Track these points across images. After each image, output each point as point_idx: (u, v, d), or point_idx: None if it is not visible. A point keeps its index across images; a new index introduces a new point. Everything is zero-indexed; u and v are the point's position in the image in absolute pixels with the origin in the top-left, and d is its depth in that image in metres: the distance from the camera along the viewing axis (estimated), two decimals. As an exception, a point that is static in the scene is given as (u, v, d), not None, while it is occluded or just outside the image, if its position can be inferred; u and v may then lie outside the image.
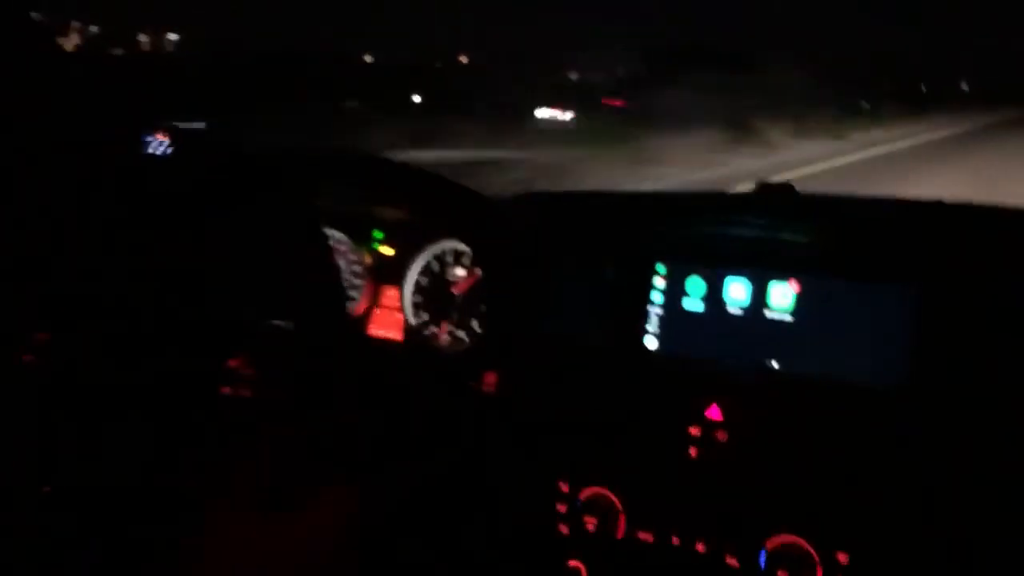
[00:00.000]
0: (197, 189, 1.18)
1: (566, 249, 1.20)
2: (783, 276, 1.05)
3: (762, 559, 1.00)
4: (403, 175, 1.39)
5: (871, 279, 1.00)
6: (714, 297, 1.09)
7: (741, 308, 1.07)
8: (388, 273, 1.39)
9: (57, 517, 1.05)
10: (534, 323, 1.20)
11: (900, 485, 0.96)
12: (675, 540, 1.05)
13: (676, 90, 16.42)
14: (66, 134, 1.02)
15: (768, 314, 1.05)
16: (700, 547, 1.04)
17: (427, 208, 1.36)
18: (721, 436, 1.04)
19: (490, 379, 1.20)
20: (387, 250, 1.40)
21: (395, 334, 1.38)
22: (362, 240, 1.41)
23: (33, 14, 0.93)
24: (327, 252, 1.29)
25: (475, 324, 1.32)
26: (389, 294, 1.39)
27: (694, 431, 1.06)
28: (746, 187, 1.15)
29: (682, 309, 1.10)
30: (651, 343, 1.12)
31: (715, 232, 1.13)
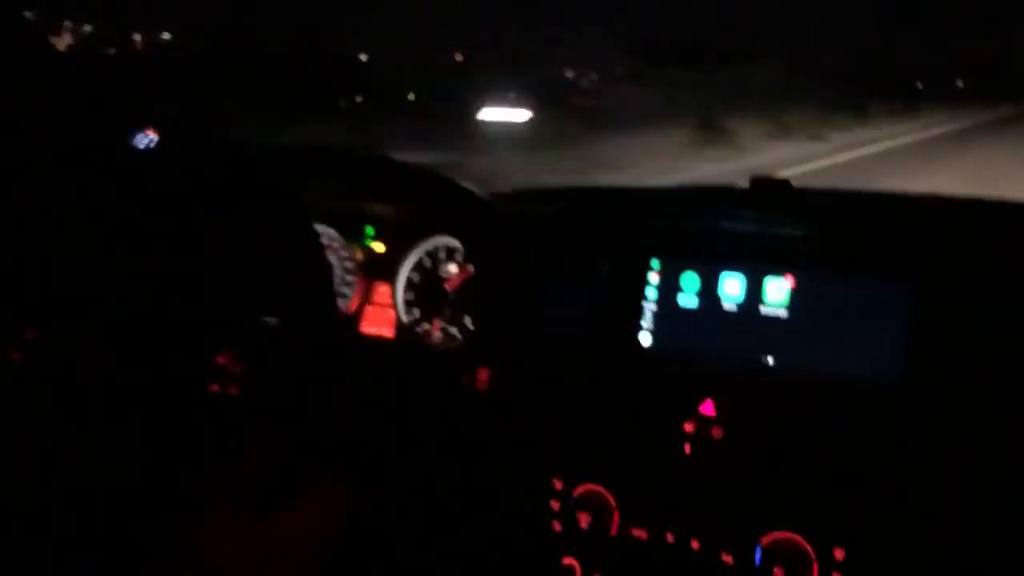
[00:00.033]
0: (185, 184, 1.17)
1: (560, 245, 1.19)
2: (778, 272, 1.04)
3: (757, 556, 0.99)
4: (395, 171, 1.38)
5: (867, 274, 0.99)
6: (709, 293, 1.08)
7: (736, 304, 1.06)
8: (380, 270, 1.38)
9: (48, 517, 1.04)
10: (527, 320, 1.19)
11: (896, 481, 0.96)
12: (670, 537, 1.05)
13: (648, 87, 15.44)
14: (57, 133, 1.01)
15: (763, 310, 1.05)
16: (695, 544, 1.03)
17: (419, 204, 1.35)
18: (716, 432, 1.04)
19: (483, 376, 1.20)
20: (379, 247, 1.39)
21: (387, 331, 1.37)
22: (354, 237, 1.40)
23: (26, 14, 0.92)
24: (318, 249, 1.28)
25: (468, 321, 1.31)
26: (381, 291, 1.38)
27: (689, 427, 1.05)
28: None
29: (677, 305, 1.10)
30: (645, 339, 1.11)
31: (710, 227, 1.12)
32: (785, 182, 1.12)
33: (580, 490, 1.10)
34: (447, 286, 1.34)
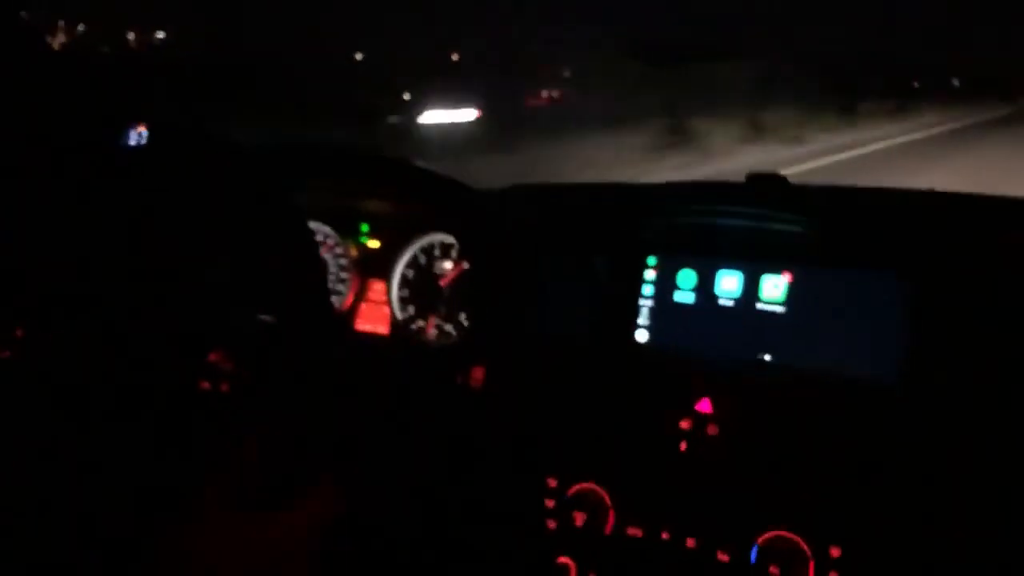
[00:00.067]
0: (177, 181, 1.17)
1: (555, 242, 1.18)
2: (775, 268, 1.04)
3: (753, 554, 0.99)
4: (390, 168, 1.37)
5: (864, 271, 0.99)
6: (706, 289, 1.07)
7: (733, 300, 1.06)
8: (375, 267, 1.37)
9: (42, 517, 1.03)
10: (522, 317, 1.19)
11: (893, 479, 0.95)
12: (665, 535, 1.04)
13: (611, 86, 13.83)
14: (49, 130, 1.01)
15: (760, 307, 1.04)
16: (690, 542, 1.03)
17: (414, 201, 1.35)
18: (712, 430, 1.03)
19: (478, 373, 1.19)
20: (374, 244, 1.38)
21: (382, 328, 1.36)
22: (348, 234, 1.39)
23: (22, 13, 0.91)
24: (313, 246, 1.28)
25: (463, 318, 1.31)
26: (376, 288, 1.37)
27: (685, 425, 1.04)
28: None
29: (673, 302, 1.09)
30: (642, 336, 1.11)
31: (707, 224, 1.11)
32: (782, 178, 1.12)
33: (575, 488, 1.09)
34: (442, 283, 1.33)
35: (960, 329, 0.94)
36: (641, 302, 1.11)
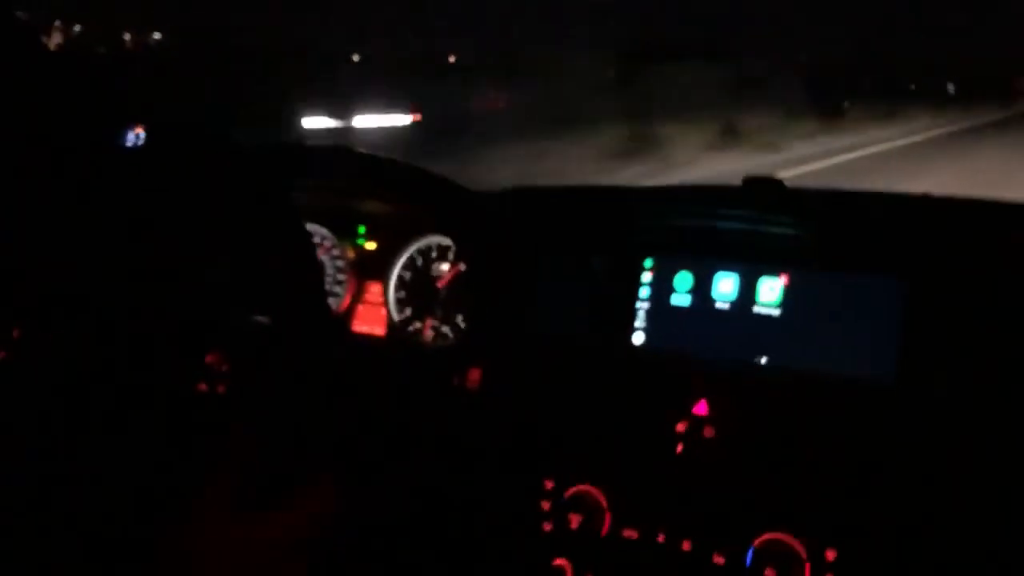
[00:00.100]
0: (174, 182, 1.17)
1: (553, 244, 1.18)
2: (772, 270, 1.04)
3: (749, 557, 0.99)
4: (387, 169, 1.37)
5: (860, 273, 0.99)
6: (703, 292, 1.08)
7: (730, 303, 1.06)
8: (372, 268, 1.37)
9: (39, 518, 1.03)
10: (519, 319, 1.19)
11: (889, 481, 0.95)
12: (661, 538, 1.04)
13: (577, 87, 12.46)
14: (46, 130, 1.01)
15: (757, 309, 1.05)
16: (686, 545, 1.03)
17: (411, 203, 1.35)
18: (708, 432, 1.03)
19: (474, 375, 1.19)
20: (371, 245, 1.38)
21: (378, 330, 1.36)
22: (345, 235, 1.40)
23: (18, 13, 0.91)
24: (309, 247, 1.27)
25: (459, 320, 1.31)
26: (373, 290, 1.37)
27: (681, 427, 1.04)
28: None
29: (670, 304, 1.09)
30: (638, 338, 1.11)
31: (703, 226, 1.12)
32: (778, 182, 1.12)
33: (571, 490, 1.09)
34: (439, 285, 1.33)
35: (956, 331, 0.95)
36: (638, 304, 1.11)
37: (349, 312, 1.38)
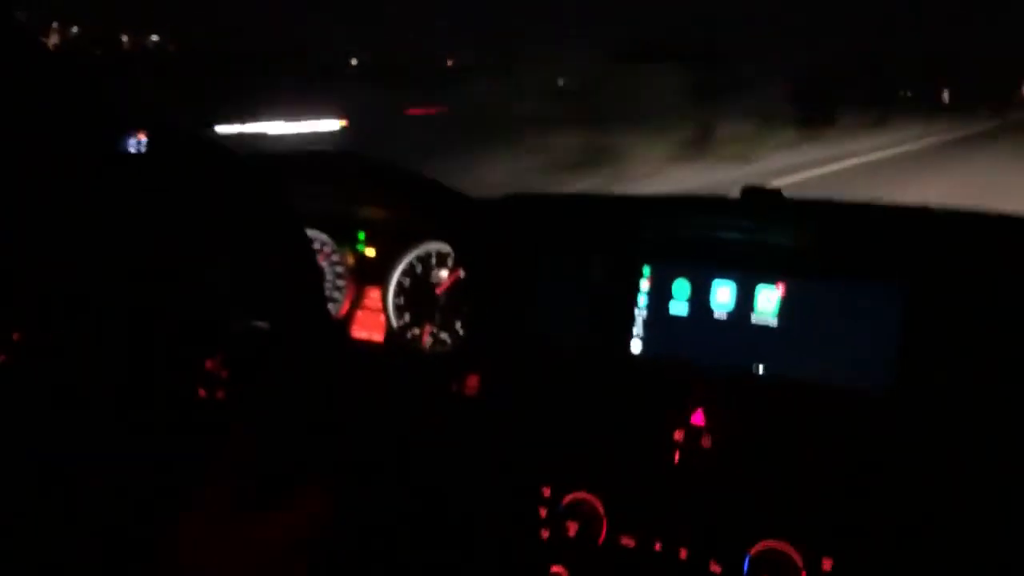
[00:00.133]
0: (175, 188, 1.17)
1: (552, 251, 1.19)
2: (770, 279, 1.05)
3: (745, 565, 0.99)
4: (387, 175, 1.38)
5: (858, 283, 1.00)
6: (700, 300, 1.08)
7: (727, 312, 1.07)
8: (371, 274, 1.38)
9: (40, 519, 1.03)
10: (518, 325, 1.19)
11: (885, 490, 0.96)
12: (657, 546, 1.04)
13: (515, 90, 11.14)
14: (48, 134, 1.01)
15: (755, 318, 1.05)
16: (683, 553, 1.03)
17: (411, 209, 1.35)
18: (706, 441, 1.04)
19: (472, 382, 1.19)
20: (370, 251, 1.39)
21: (377, 336, 1.36)
22: (345, 241, 1.40)
23: (17, 14, 0.91)
24: (309, 252, 1.27)
25: (458, 326, 1.31)
26: (372, 296, 1.38)
27: (678, 436, 1.05)
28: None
29: (668, 312, 1.10)
30: (636, 346, 1.11)
31: (702, 235, 1.12)
32: (776, 192, 1.13)
33: (568, 498, 1.10)
34: (438, 291, 1.34)
35: (953, 341, 0.95)
36: (636, 312, 1.12)
37: (348, 318, 1.38)
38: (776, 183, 1.18)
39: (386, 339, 1.35)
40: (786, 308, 1.04)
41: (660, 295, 1.10)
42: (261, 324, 1.15)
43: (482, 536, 1.16)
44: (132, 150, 1.12)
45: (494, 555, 1.16)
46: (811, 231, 1.06)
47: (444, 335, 1.32)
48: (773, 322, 1.04)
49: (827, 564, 0.96)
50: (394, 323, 1.35)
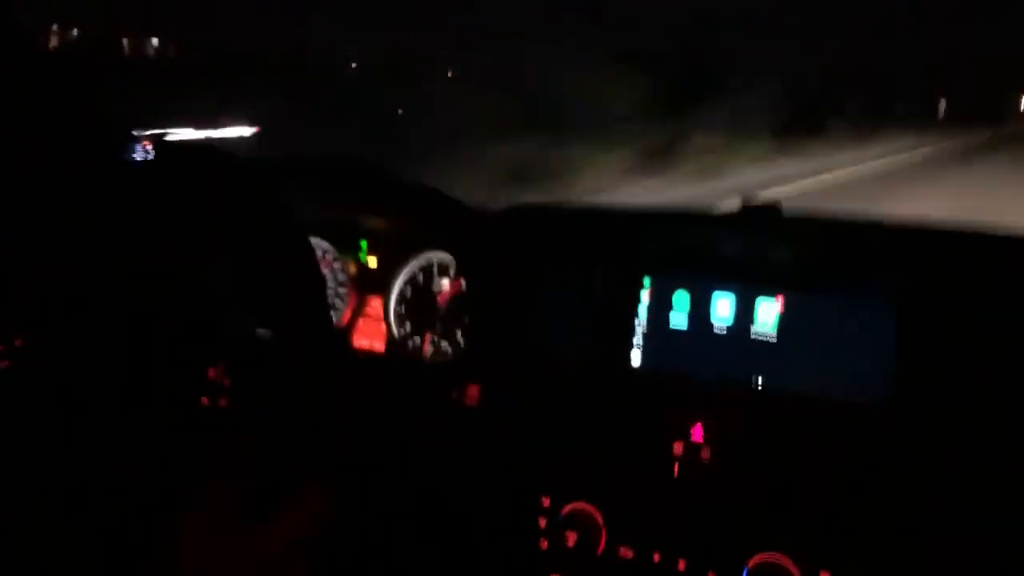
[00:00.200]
0: (180, 197, 1.17)
1: (553, 262, 1.20)
2: (769, 292, 1.05)
3: (744, 577, 1.00)
4: (390, 184, 1.38)
5: (855, 297, 1.01)
6: (700, 313, 1.09)
7: (727, 324, 1.08)
8: (373, 283, 1.38)
9: (41, 522, 1.04)
10: (518, 336, 1.20)
11: (883, 504, 0.97)
12: (656, 557, 1.05)
13: (444, 96, 10.18)
14: (53, 144, 1.01)
15: (754, 331, 1.06)
16: (681, 565, 1.04)
17: (414, 218, 1.36)
18: (705, 454, 1.04)
19: (473, 392, 1.20)
20: (372, 260, 1.39)
21: (378, 345, 1.37)
22: (347, 250, 1.41)
23: (23, 20, 0.92)
24: (313, 261, 1.28)
25: (459, 336, 1.32)
26: (373, 305, 1.38)
27: (678, 448, 1.06)
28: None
29: (668, 324, 1.11)
30: (636, 358, 1.12)
31: (702, 249, 1.13)
32: (774, 207, 1.13)
33: (568, 508, 1.10)
34: (439, 301, 1.34)
35: (951, 356, 0.96)
36: (636, 324, 1.12)
37: (350, 327, 1.39)
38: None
39: (387, 348, 1.36)
40: (785, 322, 1.04)
41: (661, 307, 1.11)
42: (264, 332, 1.15)
43: (481, 545, 1.17)
44: (138, 160, 1.13)
45: (494, 564, 1.16)
46: (810, 246, 1.07)
47: (445, 345, 1.33)
48: (772, 336, 1.05)
49: None
50: (395, 332, 1.36)
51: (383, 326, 1.36)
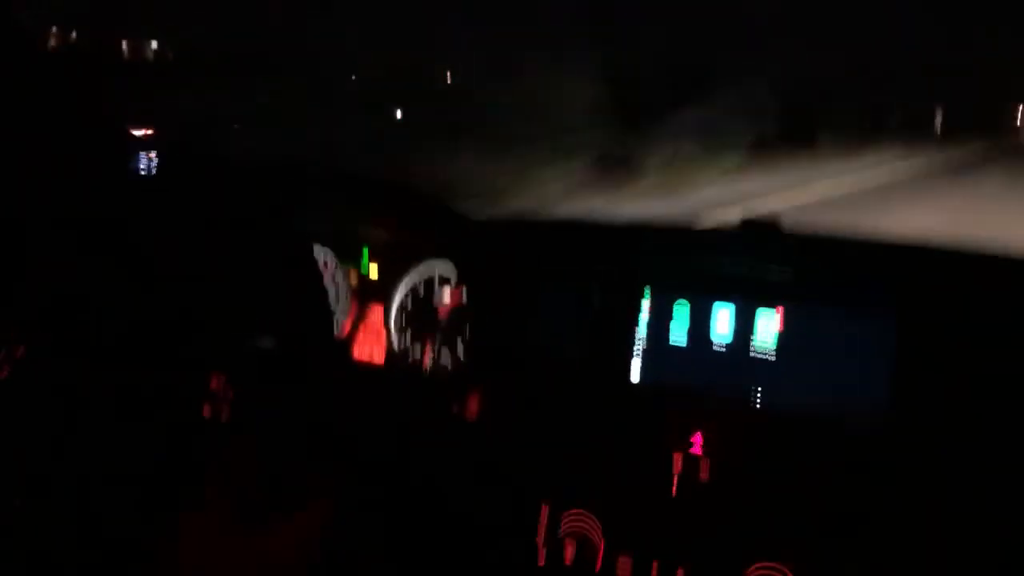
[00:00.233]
0: (184, 206, 1.18)
1: (553, 274, 1.20)
2: (769, 307, 1.06)
3: (741, 588, 1.01)
4: (392, 195, 1.39)
5: (855, 314, 1.02)
6: (700, 326, 1.10)
7: (727, 338, 1.08)
8: (374, 293, 1.39)
9: (43, 525, 1.04)
10: (518, 347, 1.20)
11: (880, 516, 0.97)
12: (654, 569, 1.06)
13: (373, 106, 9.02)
14: (60, 154, 1.02)
15: (753, 345, 1.07)
16: (679, 574, 1.04)
17: (415, 229, 1.37)
18: (703, 468, 1.05)
19: (472, 403, 1.21)
20: (374, 270, 1.40)
21: (379, 355, 1.37)
22: (349, 259, 1.41)
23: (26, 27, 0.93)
24: (315, 272, 1.29)
25: (459, 347, 1.32)
26: (374, 315, 1.39)
27: (677, 460, 1.07)
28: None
29: (668, 337, 1.11)
30: (636, 371, 1.13)
31: (702, 263, 1.14)
32: (774, 223, 1.14)
33: (566, 519, 1.11)
34: (440, 311, 1.35)
35: (948, 373, 0.97)
36: (636, 336, 1.13)
37: (351, 337, 1.39)
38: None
39: (387, 358, 1.36)
40: (785, 336, 1.05)
41: (660, 321, 1.12)
42: (267, 343, 1.16)
43: (480, 557, 1.17)
44: (143, 169, 1.13)
45: (494, 573, 1.17)
46: (809, 263, 1.08)
47: (445, 355, 1.34)
48: (772, 349, 1.06)
49: None
50: (395, 343, 1.36)
51: (383, 337, 1.37)
